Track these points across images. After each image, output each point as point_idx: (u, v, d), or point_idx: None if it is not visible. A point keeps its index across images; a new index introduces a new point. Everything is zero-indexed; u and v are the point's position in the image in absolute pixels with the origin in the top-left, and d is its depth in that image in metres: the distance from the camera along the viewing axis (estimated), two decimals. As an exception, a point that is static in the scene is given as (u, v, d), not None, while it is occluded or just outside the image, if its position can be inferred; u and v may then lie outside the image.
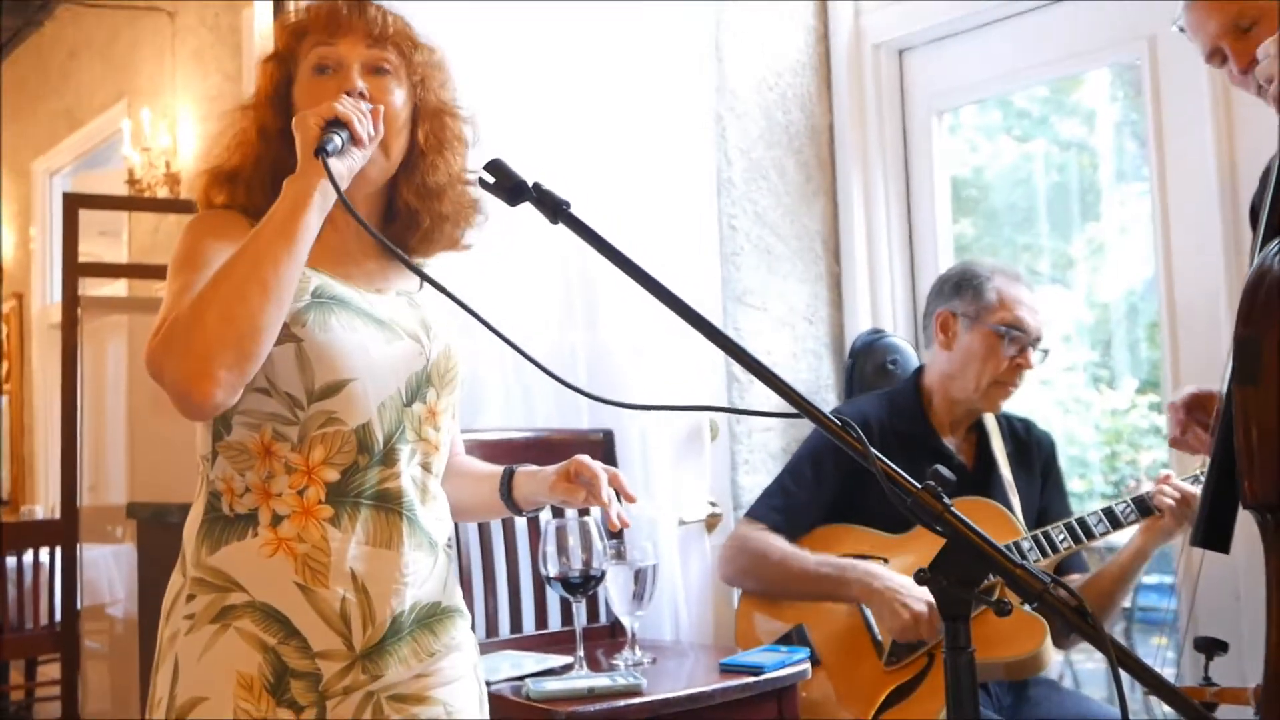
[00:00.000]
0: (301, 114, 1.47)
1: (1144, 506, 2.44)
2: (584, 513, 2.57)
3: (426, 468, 1.57)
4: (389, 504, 1.51)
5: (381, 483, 1.50)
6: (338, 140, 1.43)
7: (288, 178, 1.45)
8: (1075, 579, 2.61)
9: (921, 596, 2.42)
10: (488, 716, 1.66)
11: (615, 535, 2.47)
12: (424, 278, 1.42)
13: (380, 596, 1.49)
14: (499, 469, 1.74)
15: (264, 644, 1.43)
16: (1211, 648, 2.16)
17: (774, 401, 3.16)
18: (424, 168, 1.62)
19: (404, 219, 1.63)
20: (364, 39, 1.57)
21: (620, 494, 1.66)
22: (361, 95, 1.52)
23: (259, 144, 1.58)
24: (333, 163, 1.42)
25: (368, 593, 1.48)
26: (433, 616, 1.56)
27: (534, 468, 1.74)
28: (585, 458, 1.68)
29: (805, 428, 2.96)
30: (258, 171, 1.57)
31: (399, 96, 1.58)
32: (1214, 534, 1.84)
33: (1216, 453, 1.82)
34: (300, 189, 1.43)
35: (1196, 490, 2.34)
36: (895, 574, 2.50)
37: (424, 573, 1.54)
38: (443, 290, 1.41)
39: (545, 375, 1.43)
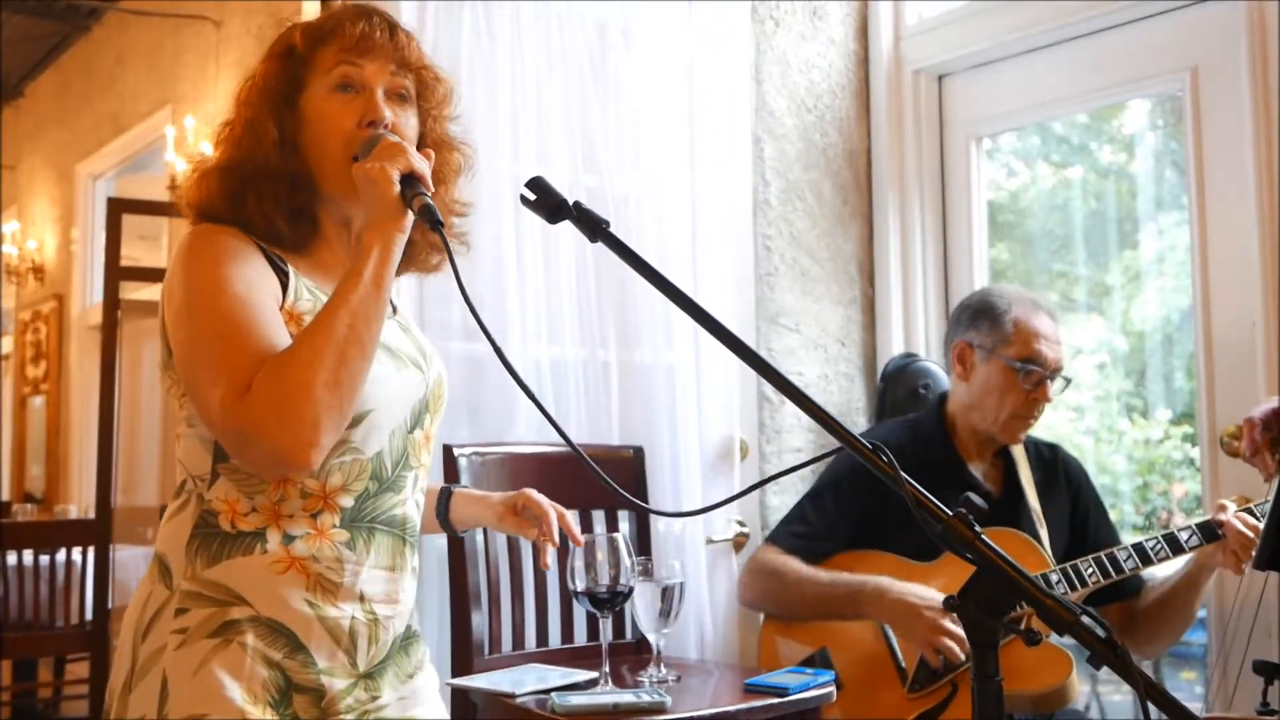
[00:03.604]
0: (377, 165, 1.42)
1: (1175, 544, 2.40)
2: (613, 529, 2.59)
3: (422, 491, 1.58)
4: (397, 529, 1.51)
5: (391, 509, 1.50)
6: (429, 199, 1.42)
7: (365, 228, 1.43)
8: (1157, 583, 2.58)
9: (935, 600, 2.40)
10: None
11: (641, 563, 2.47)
12: (487, 335, 1.38)
13: (385, 619, 1.50)
14: (437, 487, 1.77)
15: (269, 659, 1.41)
16: (1273, 672, 2.11)
17: (804, 422, 3.16)
18: None
19: None
20: (390, 63, 1.54)
21: (568, 535, 1.72)
22: (387, 126, 1.50)
23: (262, 145, 1.51)
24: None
25: (375, 614, 1.48)
26: (407, 639, 1.56)
27: (475, 492, 1.79)
28: (532, 492, 1.73)
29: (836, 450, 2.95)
30: (264, 177, 1.50)
31: (412, 127, 1.56)
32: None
33: None
34: (387, 241, 1.40)
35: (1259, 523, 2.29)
36: (910, 585, 2.46)
37: (411, 595, 1.55)
38: (487, 334, 1.37)
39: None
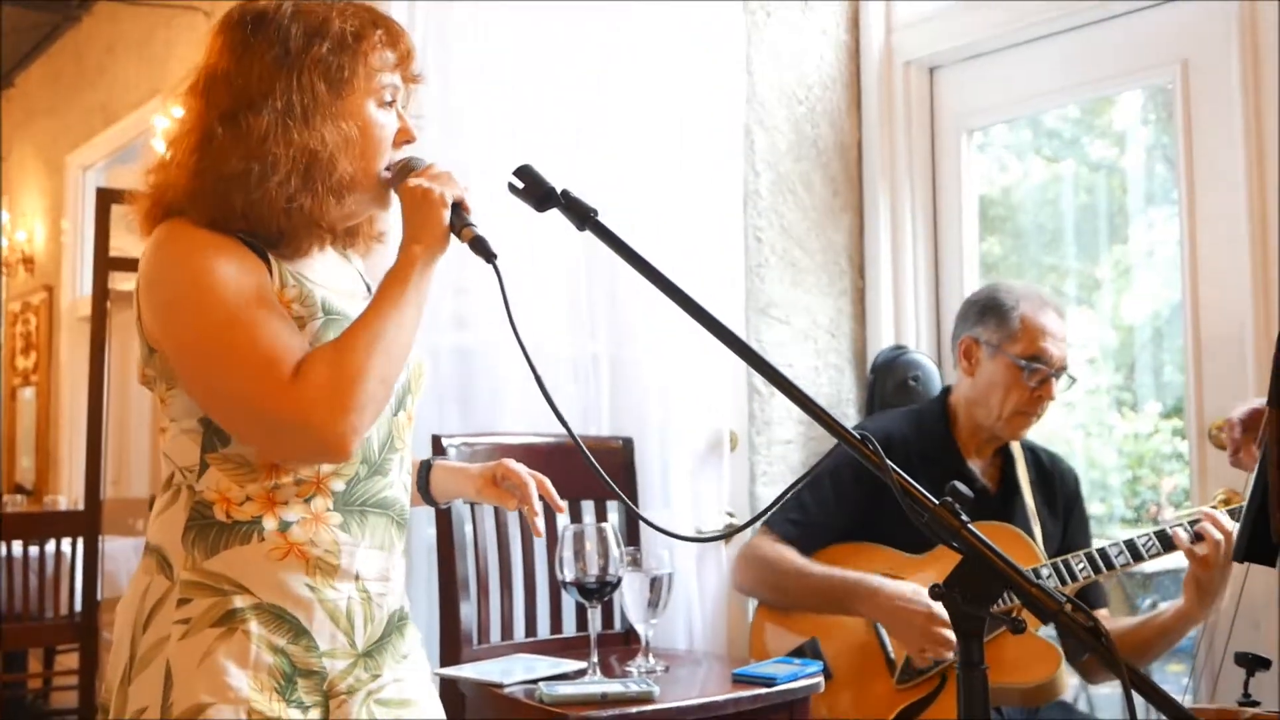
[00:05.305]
0: (435, 190, 1.47)
1: (1166, 540, 2.39)
2: (602, 519, 2.59)
3: (408, 473, 1.60)
4: (388, 510, 1.53)
5: (381, 491, 1.52)
6: (478, 231, 1.47)
7: (413, 242, 1.46)
8: (1103, 613, 2.59)
9: (927, 606, 2.39)
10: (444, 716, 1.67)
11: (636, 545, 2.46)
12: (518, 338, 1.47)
13: (379, 596, 1.52)
14: (417, 460, 1.77)
15: (273, 645, 1.42)
16: (1254, 664, 2.12)
17: (794, 414, 3.16)
18: None
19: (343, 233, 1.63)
20: (408, 75, 1.55)
21: (549, 502, 1.71)
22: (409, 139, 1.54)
23: (344, 146, 1.46)
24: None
25: (369, 593, 1.50)
26: (401, 619, 1.58)
27: (454, 464, 1.80)
28: (511, 462, 1.73)
29: (826, 441, 2.95)
30: (350, 183, 1.48)
31: None
32: (1258, 547, 1.80)
33: (1261, 466, 1.78)
34: (430, 259, 1.47)
35: (1233, 528, 2.29)
36: (903, 586, 2.46)
37: (401, 574, 1.57)
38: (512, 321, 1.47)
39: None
